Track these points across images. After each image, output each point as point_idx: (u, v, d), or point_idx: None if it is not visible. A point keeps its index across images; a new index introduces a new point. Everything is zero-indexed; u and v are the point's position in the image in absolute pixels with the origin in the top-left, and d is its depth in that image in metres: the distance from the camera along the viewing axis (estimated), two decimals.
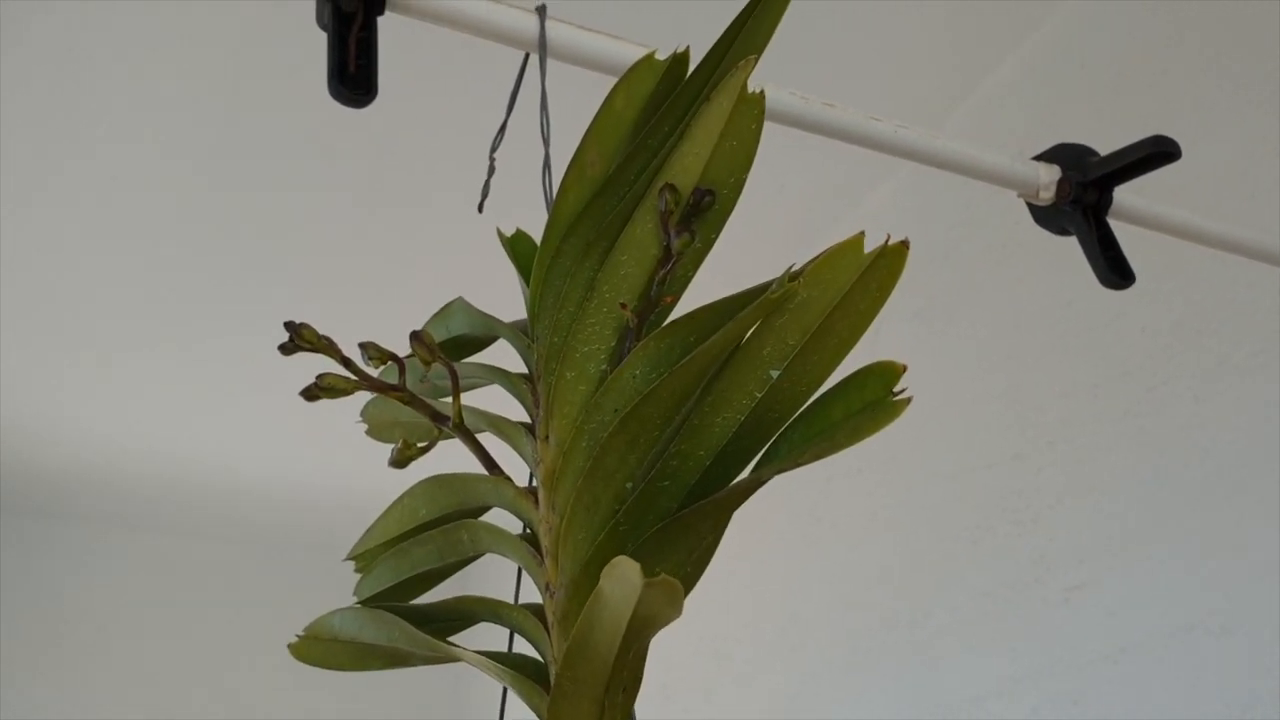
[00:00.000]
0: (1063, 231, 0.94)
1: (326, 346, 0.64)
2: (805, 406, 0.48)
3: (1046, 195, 0.93)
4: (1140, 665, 1.38)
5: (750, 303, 0.48)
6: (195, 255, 2.17)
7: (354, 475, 2.74)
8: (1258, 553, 1.29)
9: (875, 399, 0.45)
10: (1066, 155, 0.93)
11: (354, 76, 0.70)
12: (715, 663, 2.26)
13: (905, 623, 1.75)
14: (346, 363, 0.64)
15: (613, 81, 0.82)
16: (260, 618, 3.48)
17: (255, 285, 2.25)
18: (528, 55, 0.80)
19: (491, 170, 0.81)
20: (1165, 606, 1.37)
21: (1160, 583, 1.38)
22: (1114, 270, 0.89)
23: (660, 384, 0.49)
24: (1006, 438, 1.64)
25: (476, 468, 0.67)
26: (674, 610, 0.40)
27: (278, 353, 0.66)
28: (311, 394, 0.65)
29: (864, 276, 0.45)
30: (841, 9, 1.66)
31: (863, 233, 0.45)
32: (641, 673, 0.49)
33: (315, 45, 0.76)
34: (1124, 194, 0.94)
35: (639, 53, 0.81)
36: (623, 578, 0.39)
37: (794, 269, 0.47)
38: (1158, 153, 0.86)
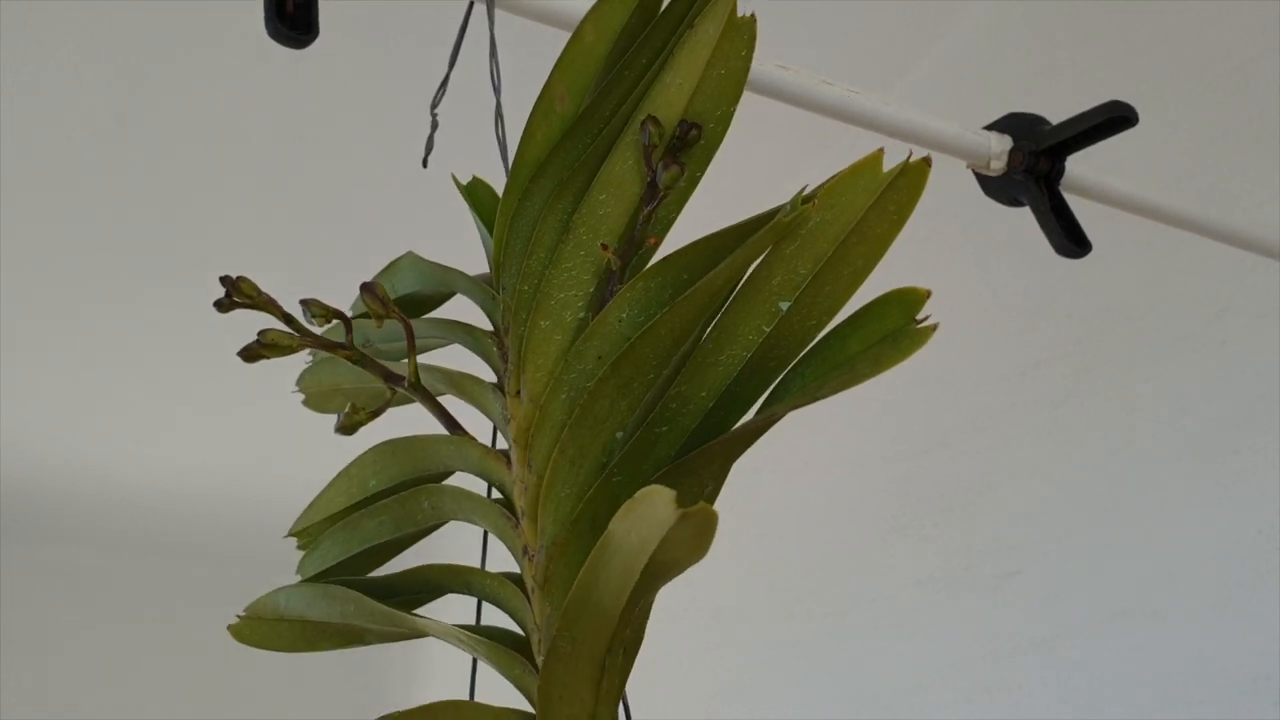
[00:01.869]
0: (1014, 202, 0.93)
1: (267, 302, 0.60)
2: (817, 340, 0.45)
3: (998, 165, 0.92)
4: (1073, 652, 1.38)
5: (756, 230, 0.45)
6: (114, 227, 2.03)
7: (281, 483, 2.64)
8: (1188, 536, 1.30)
9: (896, 328, 0.42)
10: (1018, 124, 0.92)
11: (292, 15, 0.65)
12: (638, 661, 2.23)
13: (833, 615, 1.74)
14: (289, 319, 0.60)
15: (558, 33, 0.79)
16: (165, 629, 3.35)
17: (183, 247, 2.10)
18: (471, 3, 0.76)
19: (435, 124, 0.76)
20: (1097, 592, 1.37)
21: (1092, 568, 1.39)
22: (1071, 239, 0.88)
23: (658, 321, 0.45)
24: (932, 426, 1.64)
25: (428, 432, 0.63)
26: (702, 550, 0.36)
27: (214, 312, 0.61)
28: (252, 353, 0.60)
29: (881, 198, 0.42)
30: None
31: (881, 150, 0.43)
32: (644, 630, 0.45)
33: None
34: (1073, 165, 0.93)
35: (588, 3, 0.78)
36: (646, 513, 0.36)
37: (806, 191, 0.43)
38: (1114, 118, 0.86)
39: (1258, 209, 1.32)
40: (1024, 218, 1.04)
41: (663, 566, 0.39)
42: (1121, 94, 1.27)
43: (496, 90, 0.70)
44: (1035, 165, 0.90)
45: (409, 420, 0.66)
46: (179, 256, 2.11)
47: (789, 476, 1.90)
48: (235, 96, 1.77)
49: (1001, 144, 0.91)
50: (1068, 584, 1.41)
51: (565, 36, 0.79)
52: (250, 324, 0.79)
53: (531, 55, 0.87)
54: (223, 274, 0.61)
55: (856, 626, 1.69)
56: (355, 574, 0.64)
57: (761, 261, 0.44)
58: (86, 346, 2.38)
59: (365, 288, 0.59)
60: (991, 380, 1.56)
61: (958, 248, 1.65)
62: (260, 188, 1.97)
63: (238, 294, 0.59)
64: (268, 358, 0.60)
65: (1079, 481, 1.43)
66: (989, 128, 0.93)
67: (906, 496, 1.65)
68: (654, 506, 0.35)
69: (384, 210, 1.99)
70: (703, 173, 0.53)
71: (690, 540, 0.36)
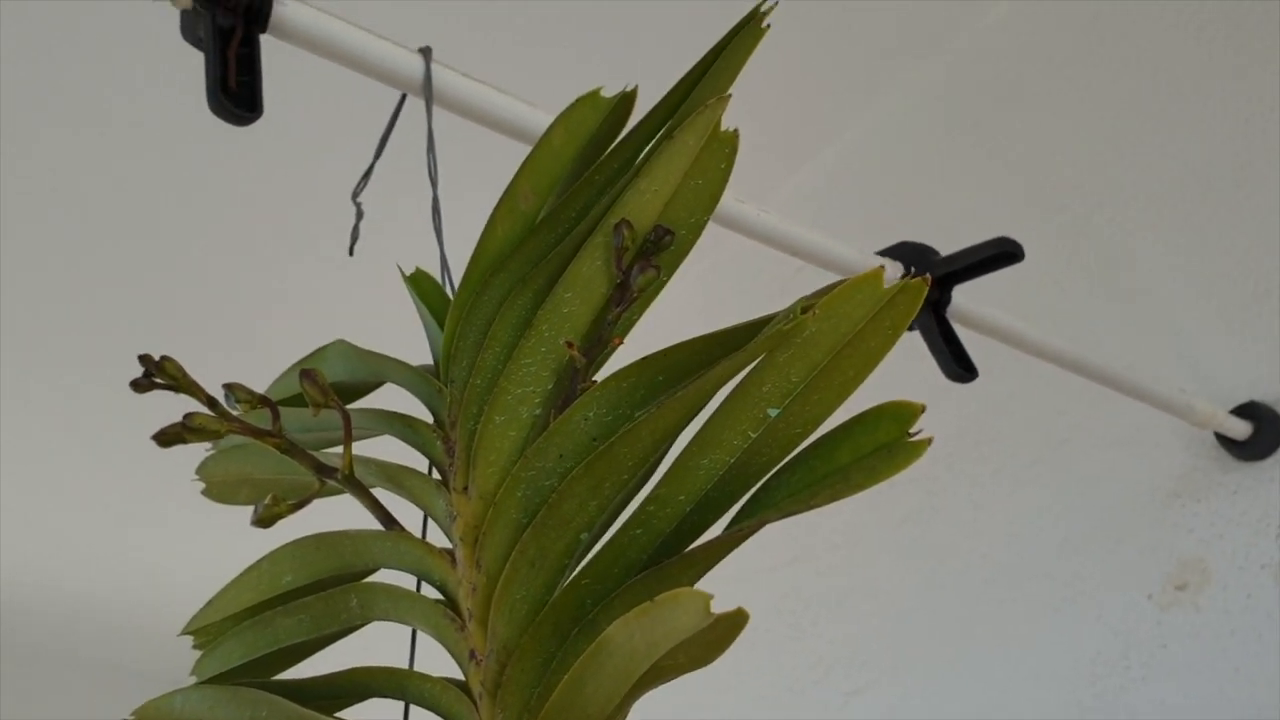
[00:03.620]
0: None
1: (190, 385, 0.57)
2: (801, 449, 0.45)
3: None
4: None
5: (742, 336, 0.46)
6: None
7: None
8: (1028, 656, 1.35)
9: (890, 440, 0.43)
10: (909, 252, 0.96)
11: (236, 93, 0.64)
12: None
13: None
14: (212, 403, 0.57)
15: (490, 133, 0.79)
16: None
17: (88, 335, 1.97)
18: (404, 96, 0.76)
19: (359, 214, 0.75)
20: (942, 708, 1.40)
21: (938, 685, 1.42)
22: (959, 364, 0.92)
23: (641, 421, 0.45)
24: (787, 540, 1.66)
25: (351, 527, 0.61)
26: (718, 654, 0.36)
27: (131, 391, 0.58)
28: (174, 436, 0.57)
29: (879, 313, 0.43)
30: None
31: (882, 266, 0.44)
32: None
33: (187, 60, 0.69)
34: (956, 295, 0.98)
35: (521, 107, 0.78)
36: (667, 616, 0.35)
37: (806, 300, 0.44)
38: (1002, 253, 0.91)
39: (1097, 345, 1.41)
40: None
41: (664, 672, 0.39)
42: (980, 229, 1.34)
43: (434, 183, 0.70)
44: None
45: (315, 515, 0.64)
46: (81, 343, 1.98)
47: None
48: (150, 176, 1.69)
49: (894, 270, 0.95)
50: (914, 700, 1.44)
51: (491, 135, 0.80)
52: (122, 415, 0.75)
53: (458, 153, 0.87)
54: (142, 353, 0.58)
55: None
56: (261, 676, 0.60)
57: (753, 368, 0.44)
58: None
59: (305, 374, 0.57)
60: (846, 498, 1.59)
61: None
62: (171, 272, 1.88)
63: (160, 374, 0.57)
64: (189, 442, 0.57)
65: (929, 599, 1.47)
66: (881, 253, 0.97)
67: (759, 610, 1.66)
68: (680, 609, 0.35)
69: (304, 299, 1.91)
70: (669, 277, 0.53)
71: (711, 645, 0.36)
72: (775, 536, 1.65)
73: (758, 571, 1.69)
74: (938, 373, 1.50)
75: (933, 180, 1.65)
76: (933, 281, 0.94)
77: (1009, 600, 1.39)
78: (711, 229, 0.98)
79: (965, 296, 1.01)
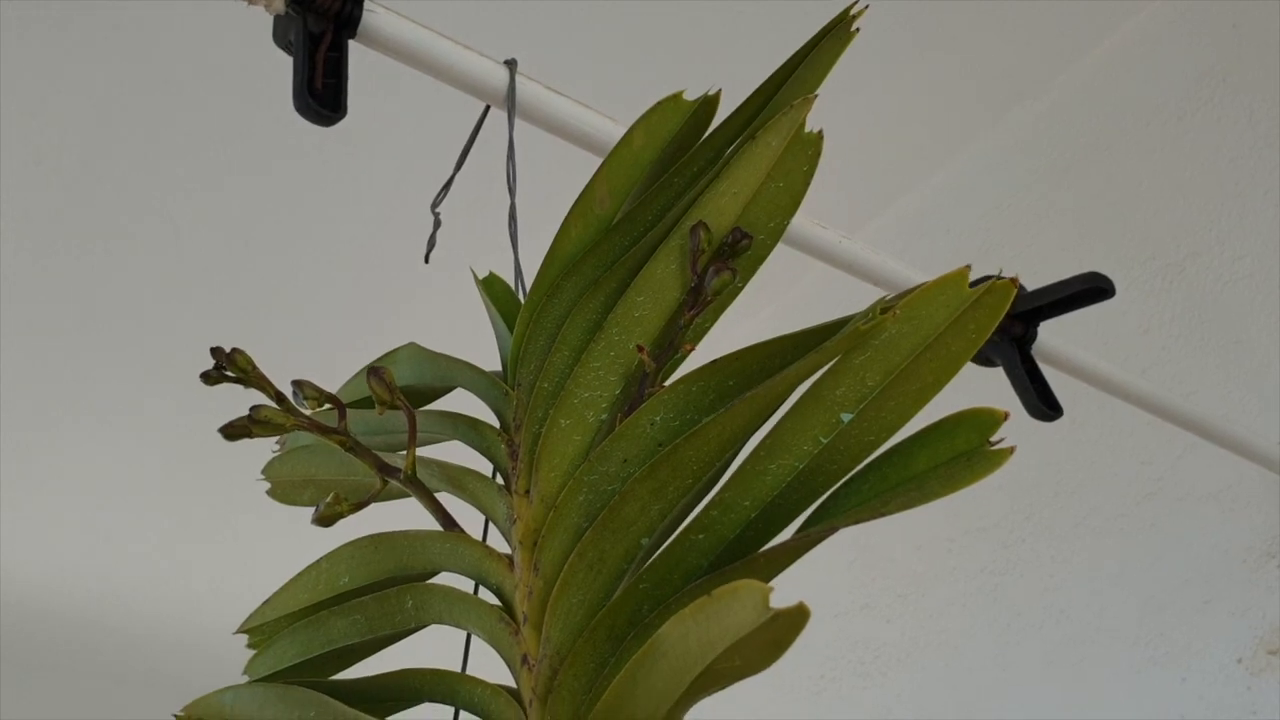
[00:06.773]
0: (987, 362, 0.94)
1: (259, 379, 0.57)
2: (875, 456, 0.43)
3: None
4: None
5: (816, 339, 0.44)
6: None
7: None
8: (1111, 717, 1.29)
9: (969, 448, 0.41)
10: None
11: (320, 93, 0.64)
12: None
13: None
14: (280, 399, 0.57)
15: (566, 144, 0.79)
16: None
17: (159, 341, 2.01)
18: (487, 108, 0.76)
19: (437, 223, 0.75)
20: None
21: None
22: (1043, 401, 0.89)
23: (709, 424, 0.44)
24: (856, 587, 1.62)
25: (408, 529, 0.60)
26: (777, 656, 0.34)
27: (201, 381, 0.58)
28: (240, 430, 0.57)
29: (963, 315, 0.41)
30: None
31: (968, 266, 0.42)
32: None
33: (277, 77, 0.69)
34: (1041, 332, 0.95)
35: (602, 121, 0.78)
36: (723, 613, 0.33)
37: (886, 301, 0.43)
38: (1092, 289, 0.88)
39: (1188, 396, 1.36)
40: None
41: (719, 676, 0.37)
42: (1067, 272, 1.31)
43: (512, 191, 0.69)
44: (1010, 327, 0.92)
45: (376, 519, 0.63)
46: (151, 349, 2.02)
47: None
48: (235, 185, 1.73)
49: None
50: None
51: (569, 147, 0.80)
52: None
53: (537, 166, 0.87)
54: (214, 345, 0.58)
55: None
56: (314, 677, 0.59)
57: (828, 370, 0.43)
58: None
59: (373, 373, 0.57)
60: (921, 546, 1.56)
61: None
62: (246, 276, 1.91)
63: (231, 366, 0.56)
64: (255, 436, 0.57)
65: (1002, 653, 1.43)
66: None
67: (825, 657, 1.62)
68: (738, 603, 0.33)
69: (376, 304, 1.94)
70: (745, 283, 0.52)
71: (769, 645, 0.34)
72: (845, 581, 1.61)
73: (825, 617, 1.65)
74: (1019, 416, 1.46)
75: (1021, 223, 1.62)
76: (1019, 317, 0.91)
77: (1087, 660, 1.34)
78: (788, 265, 0.96)
79: (1051, 336, 0.98)
